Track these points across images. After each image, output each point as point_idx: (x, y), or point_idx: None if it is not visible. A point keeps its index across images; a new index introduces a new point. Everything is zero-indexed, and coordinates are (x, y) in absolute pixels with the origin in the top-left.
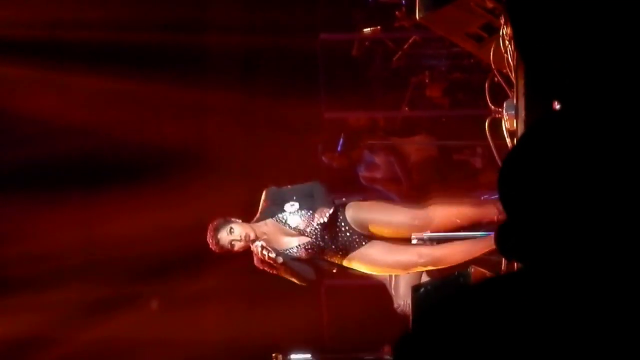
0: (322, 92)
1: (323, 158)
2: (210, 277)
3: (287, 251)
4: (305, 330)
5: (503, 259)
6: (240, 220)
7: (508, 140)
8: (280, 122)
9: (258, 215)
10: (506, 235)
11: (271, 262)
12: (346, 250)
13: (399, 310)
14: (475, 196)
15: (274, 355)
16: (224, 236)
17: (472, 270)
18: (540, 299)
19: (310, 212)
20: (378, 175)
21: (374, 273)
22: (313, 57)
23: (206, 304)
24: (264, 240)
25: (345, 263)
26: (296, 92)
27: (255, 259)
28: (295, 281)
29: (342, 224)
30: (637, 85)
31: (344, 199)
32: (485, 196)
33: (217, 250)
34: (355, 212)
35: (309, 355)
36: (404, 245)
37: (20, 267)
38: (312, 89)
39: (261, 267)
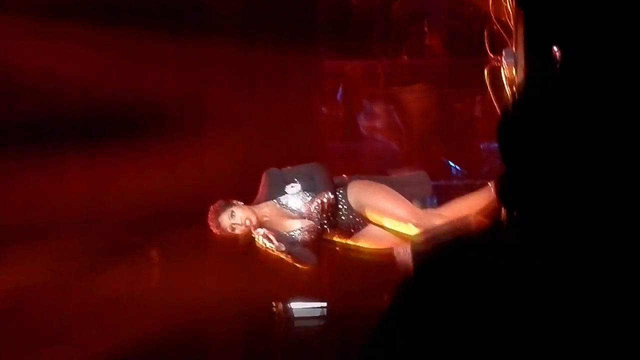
0: (321, 41)
1: (323, 109)
2: (209, 229)
3: (290, 234)
4: (305, 279)
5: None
6: (242, 203)
7: (507, 88)
8: (279, 72)
9: (258, 196)
10: (506, 185)
11: (272, 250)
12: (349, 231)
13: (398, 258)
14: (474, 146)
15: (274, 303)
16: (225, 219)
17: (473, 220)
18: (538, 246)
19: (312, 194)
20: (378, 124)
21: (378, 246)
22: (312, 6)
23: (206, 254)
24: (266, 222)
25: (349, 241)
26: (295, 41)
27: (256, 242)
28: (297, 265)
29: (343, 205)
30: (636, 31)
31: (344, 177)
32: (484, 144)
33: (218, 233)
34: (358, 193)
35: (308, 304)
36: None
37: (21, 219)
38: (311, 38)
39: (262, 250)
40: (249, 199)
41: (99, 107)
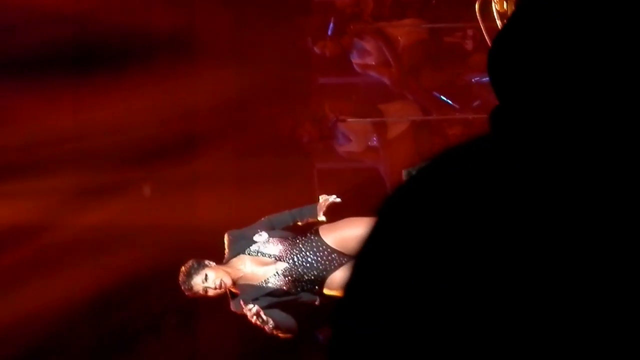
0: None
1: (315, 48)
2: (201, 161)
3: (266, 282)
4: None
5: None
6: (214, 264)
7: (498, 22)
8: (268, 5)
9: (227, 255)
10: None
11: (262, 325)
12: (325, 271)
13: None
14: (465, 80)
15: None
16: (198, 283)
17: None
18: (531, 175)
19: (283, 239)
20: (370, 61)
21: None
22: None
23: (198, 188)
24: (240, 278)
25: (325, 290)
26: None
27: (231, 303)
28: (281, 336)
29: (320, 246)
30: None
31: (312, 230)
32: (476, 79)
33: (189, 295)
34: (335, 234)
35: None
36: None
37: (10, 154)
38: None
39: (239, 313)
40: (241, 131)
41: (88, 39)
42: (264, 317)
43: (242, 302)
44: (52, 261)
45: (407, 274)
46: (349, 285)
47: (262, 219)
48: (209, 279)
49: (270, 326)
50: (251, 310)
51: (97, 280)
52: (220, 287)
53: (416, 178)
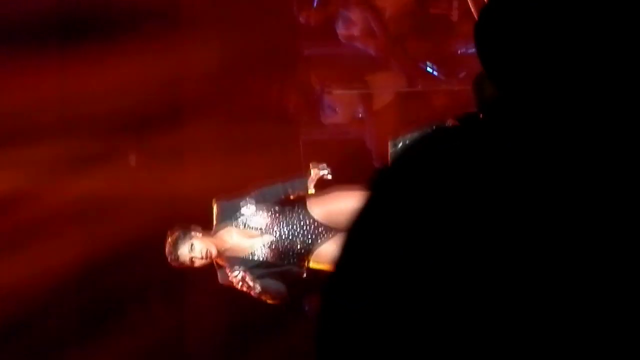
0: None
1: (300, 18)
2: (188, 130)
3: (252, 254)
4: (284, 181)
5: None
6: (200, 234)
7: None
8: None
9: (215, 227)
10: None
11: (248, 291)
12: (311, 244)
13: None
14: (451, 51)
15: None
16: (185, 252)
17: (451, 123)
18: (516, 149)
19: (271, 212)
20: (355, 32)
21: None
22: None
23: (185, 157)
24: (227, 250)
25: (312, 263)
26: None
27: (219, 275)
28: (269, 301)
29: (307, 219)
30: None
31: (298, 202)
32: (462, 49)
33: (175, 265)
34: (322, 207)
35: None
36: None
37: None
38: None
39: (226, 284)
40: (227, 100)
41: (74, 7)
42: (250, 283)
43: (227, 270)
44: (38, 230)
45: (397, 249)
46: (340, 259)
47: (255, 190)
48: (195, 249)
49: (257, 291)
50: (236, 276)
51: (84, 250)
52: (207, 257)
53: (406, 155)
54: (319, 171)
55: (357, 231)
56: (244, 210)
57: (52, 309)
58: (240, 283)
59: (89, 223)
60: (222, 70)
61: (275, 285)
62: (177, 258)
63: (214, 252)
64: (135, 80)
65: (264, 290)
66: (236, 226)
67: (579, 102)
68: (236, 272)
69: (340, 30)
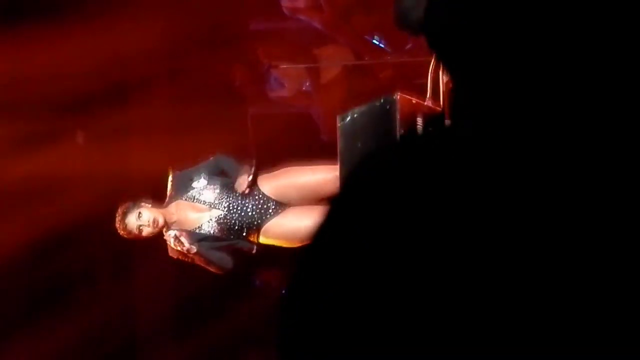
0: None
1: None
2: (134, 108)
3: (199, 229)
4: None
5: (428, 84)
6: (150, 205)
7: None
8: None
9: (167, 199)
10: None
11: (185, 252)
12: (260, 220)
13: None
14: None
15: None
16: (132, 221)
17: (398, 96)
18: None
19: (222, 186)
20: (300, 4)
21: (293, 245)
22: None
23: (131, 136)
24: (174, 223)
25: (262, 238)
26: None
27: (169, 248)
28: (212, 270)
29: (256, 195)
30: None
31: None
32: None
33: (124, 235)
34: (272, 182)
35: None
36: (322, 206)
37: None
38: None
39: (175, 257)
40: (173, 77)
41: None
42: (185, 243)
43: (163, 231)
44: None
45: (361, 247)
46: (303, 258)
47: (215, 156)
48: (142, 217)
49: (193, 251)
50: (170, 235)
51: (30, 231)
52: (154, 225)
53: (372, 165)
54: (248, 177)
55: (323, 228)
56: (194, 183)
57: None
58: (174, 241)
59: (34, 203)
60: (168, 47)
61: (219, 255)
62: (125, 227)
63: (161, 221)
64: (80, 60)
65: (200, 254)
66: (186, 199)
67: (541, 98)
68: (171, 232)
69: (284, 2)
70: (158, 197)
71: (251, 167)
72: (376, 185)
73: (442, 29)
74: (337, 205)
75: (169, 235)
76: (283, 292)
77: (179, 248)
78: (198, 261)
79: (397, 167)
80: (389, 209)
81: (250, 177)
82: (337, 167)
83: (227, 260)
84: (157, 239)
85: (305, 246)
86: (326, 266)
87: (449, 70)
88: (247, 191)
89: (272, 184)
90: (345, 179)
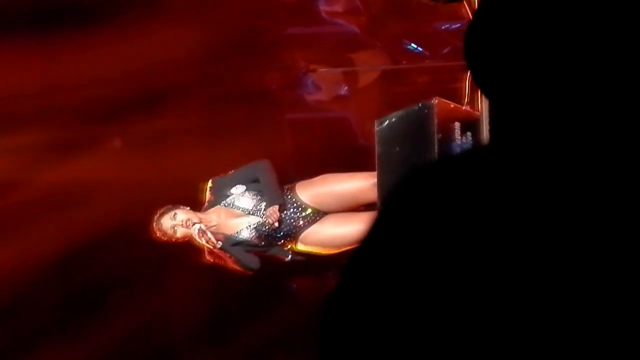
0: None
1: None
2: (170, 114)
3: (238, 233)
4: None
5: (465, 89)
6: (188, 208)
7: None
8: None
9: (205, 205)
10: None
11: (210, 246)
12: (298, 227)
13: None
14: (434, 28)
15: None
16: (167, 221)
17: (436, 101)
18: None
19: (260, 193)
20: (338, 8)
21: (331, 252)
22: None
23: (167, 142)
24: (213, 228)
25: (299, 246)
26: None
27: (205, 252)
28: (239, 269)
29: (295, 203)
30: None
31: (287, 186)
32: (445, 26)
33: (160, 237)
34: (310, 190)
35: None
36: (361, 213)
37: None
38: None
39: (211, 261)
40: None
41: None
42: (210, 236)
43: (192, 221)
44: (21, 218)
45: (405, 266)
46: (349, 269)
47: (254, 163)
48: (176, 217)
49: (218, 246)
50: (195, 228)
51: (66, 237)
52: (186, 225)
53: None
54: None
55: (366, 244)
56: (233, 190)
57: (35, 296)
58: (198, 234)
59: (71, 210)
60: (203, 54)
61: (246, 255)
62: (160, 227)
63: (195, 222)
64: (116, 67)
65: (225, 250)
66: (225, 205)
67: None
68: (196, 226)
69: (323, 6)
70: (194, 203)
71: (284, 191)
72: (417, 204)
73: (482, 61)
74: (379, 223)
75: (194, 229)
76: (325, 302)
77: (202, 241)
78: (228, 261)
79: (437, 187)
80: (429, 227)
81: (282, 203)
82: (374, 174)
83: (253, 260)
84: (193, 244)
85: (349, 260)
86: (369, 282)
87: (486, 96)
88: (276, 225)
89: (310, 191)
90: (387, 197)
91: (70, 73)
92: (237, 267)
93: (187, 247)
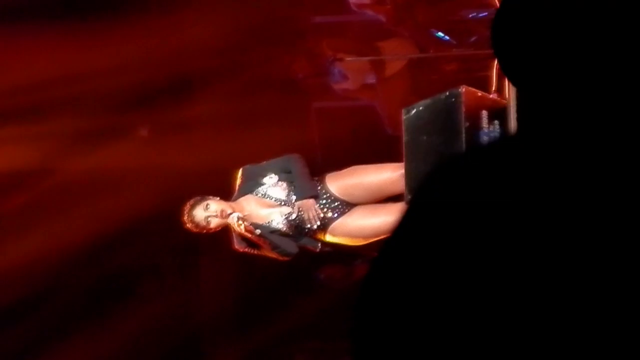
0: None
1: None
2: (198, 102)
3: (269, 223)
4: (297, 153)
5: (493, 77)
6: (218, 198)
7: None
8: None
9: (236, 193)
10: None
11: (248, 234)
12: (328, 218)
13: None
14: (462, 16)
15: None
16: (200, 213)
17: (463, 89)
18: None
19: (291, 184)
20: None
21: (359, 243)
22: None
23: (195, 130)
24: (245, 217)
25: (328, 237)
26: None
27: (235, 241)
28: (276, 257)
29: (324, 194)
30: None
31: (317, 178)
32: (472, 14)
33: (192, 229)
34: (339, 182)
35: None
36: (389, 204)
37: (5, 100)
38: None
39: (242, 250)
40: (237, 71)
41: None
42: (249, 224)
43: (226, 211)
44: (51, 205)
45: (429, 271)
46: (381, 260)
47: (287, 156)
48: (210, 208)
49: (257, 233)
50: (233, 217)
51: (97, 224)
52: (222, 216)
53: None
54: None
55: (397, 236)
56: (265, 180)
57: (66, 283)
58: (237, 222)
59: (100, 197)
60: (232, 42)
61: (284, 239)
62: (192, 219)
63: (229, 212)
64: (144, 55)
65: (264, 237)
66: (256, 194)
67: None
68: (233, 215)
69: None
70: (222, 191)
71: (317, 185)
72: (447, 197)
73: (511, 52)
74: (409, 215)
75: (232, 217)
76: (359, 293)
77: (242, 229)
78: (263, 247)
79: (466, 179)
80: (460, 220)
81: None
82: (402, 165)
83: (291, 245)
84: (222, 233)
85: (380, 252)
86: (401, 273)
87: (513, 84)
88: (315, 226)
89: (339, 183)
90: (417, 190)
91: (100, 61)
92: (273, 254)
93: (217, 235)
